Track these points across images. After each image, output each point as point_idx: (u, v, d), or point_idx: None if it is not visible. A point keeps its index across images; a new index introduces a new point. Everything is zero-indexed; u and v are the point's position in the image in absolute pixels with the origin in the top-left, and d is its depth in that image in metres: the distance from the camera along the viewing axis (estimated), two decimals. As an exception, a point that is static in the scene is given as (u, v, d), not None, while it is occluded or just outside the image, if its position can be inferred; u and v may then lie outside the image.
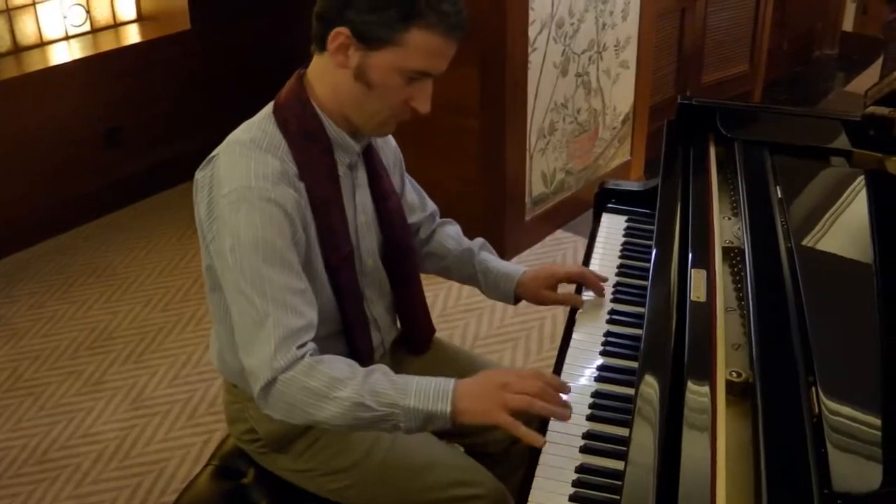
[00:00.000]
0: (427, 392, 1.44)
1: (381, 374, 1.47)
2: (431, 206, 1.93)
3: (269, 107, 1.61)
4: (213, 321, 1.72)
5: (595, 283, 1.85)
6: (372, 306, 1.73)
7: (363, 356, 1.67)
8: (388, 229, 1.74)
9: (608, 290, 1.86)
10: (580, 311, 1.81)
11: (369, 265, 1.71)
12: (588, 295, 1.85)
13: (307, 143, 1.56)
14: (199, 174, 1.58)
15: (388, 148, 1.80)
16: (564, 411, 1.45)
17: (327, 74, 1.55)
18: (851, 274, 1.50)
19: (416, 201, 1.89)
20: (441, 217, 1.95)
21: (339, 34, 1.48)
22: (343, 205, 1.61)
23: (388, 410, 1.43)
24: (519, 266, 1.90)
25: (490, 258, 1.90)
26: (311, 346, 1.49)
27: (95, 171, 4.03)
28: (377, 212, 1.72)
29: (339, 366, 1.47)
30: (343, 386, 1.44)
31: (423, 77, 1.52)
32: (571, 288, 1.90)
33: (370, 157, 1.70)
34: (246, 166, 1.50)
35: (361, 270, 1.69)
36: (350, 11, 1.47)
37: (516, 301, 1.89)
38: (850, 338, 1.35)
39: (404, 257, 1.78)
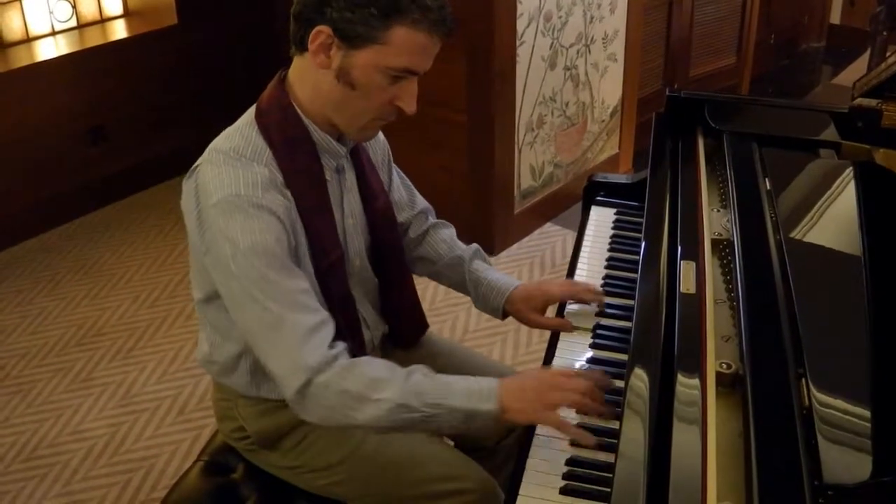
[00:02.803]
0: (472, 391, 1.43)
1: (421, 375, 1.46)
2: (421, 203, 1.89)
3: (251, 112, 1.57)
4: (204, 328, 1.70)
5: (594, 298, 1.78)
6: (360, 306, 1.72)
7: (356, 356, 1.66)
8: (376, 230, 1.72)
9: (597, 282, 1.85)
10: (568, 330, 1.74)
11: (356, 266, 1.69)
12: (574, 307, 1.79)
13: (292, 150, 1.53)
14: (184, 184, 1.55)
15: (377, 142, 1.77)
16: (609, 410, 1.46)
17: (308, 76, 1.52)
18: (840, 265, 1.49)
19: (405, 198, 1.86)
20: (433, 214, 1.91)
21: (320, 33, 1.44)
22: (332, 210, 1.59)
23: (433, 411, 1.42)
24: (511, 279, 1.82)
25: (482, 268, 1.84)
26: (342, 345, 1.47)
27: (81, 168, 4.01)
28: (365, 213, 1.70)
29: (378, 366, 1.46)
30: (384, 387, 1.42)
31: (408, 75, 1.48)
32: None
33: (358, 157, 1.67)
34: (233, 174, 1.47)
35: (349, 271, 1.68)
36: (330, 9, 1.43)
37: (504, 316, 1.82)
38: (840, 329, 1.34)
39: (393, 256, 1.76)
